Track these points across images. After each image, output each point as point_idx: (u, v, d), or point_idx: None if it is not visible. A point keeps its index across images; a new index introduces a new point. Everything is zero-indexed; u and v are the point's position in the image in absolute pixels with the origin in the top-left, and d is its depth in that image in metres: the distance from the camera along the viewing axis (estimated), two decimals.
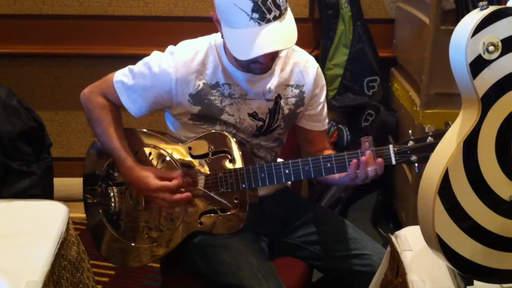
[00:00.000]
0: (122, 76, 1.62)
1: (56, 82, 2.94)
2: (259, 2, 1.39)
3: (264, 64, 1.50)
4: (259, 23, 1.40)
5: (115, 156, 1.63)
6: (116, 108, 1.65)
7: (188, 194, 1.57)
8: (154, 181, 1.56)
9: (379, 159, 1.47)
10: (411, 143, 1.45)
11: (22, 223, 1.37)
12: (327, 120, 1.77)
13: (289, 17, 1.46)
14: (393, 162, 1.46)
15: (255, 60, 1.47)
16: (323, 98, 1.72)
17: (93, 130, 1.68)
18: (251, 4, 1.39)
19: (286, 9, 1.45)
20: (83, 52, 2.86)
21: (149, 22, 2.82)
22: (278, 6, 1.41)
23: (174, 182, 1.56)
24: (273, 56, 1.51)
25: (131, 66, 1.63)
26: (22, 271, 1.17)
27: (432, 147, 1.41)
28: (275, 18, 1.41)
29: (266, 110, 1.65)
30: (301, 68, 1.66)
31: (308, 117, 1.73)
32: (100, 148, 1.74)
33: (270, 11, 1.40)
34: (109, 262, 1.80)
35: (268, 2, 1.39)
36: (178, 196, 1.57)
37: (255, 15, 1.40)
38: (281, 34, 1.43)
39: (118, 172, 1.67)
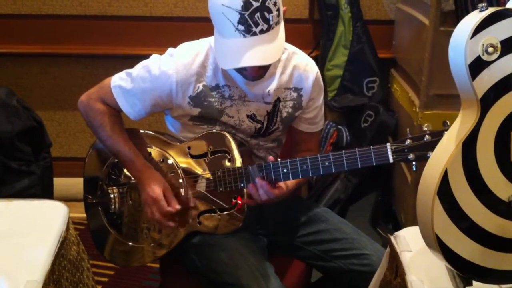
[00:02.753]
0: (119, 80, 1.61)
1: (55, 82, 2.94)
2: (246, 15, 1.39)
3: (252, 73, 1.51)
4: (244, 35, 1.41)
5: (123, 159, 1.62)
6: (117, 112, 1.65)
7: (173, 225, 1.57)
8: (157, 192, 1.56)
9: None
10: (408, 141, 1.45)
11: (22, 223, 1.37)
12: (322, 121, 1.78)
13: (278, 32, 1.45)
14: (391, 160, 1.46)
15: (243, 68, 1.48)
16: (320, 102, 1.73)
17: (97, 136, 1.67)
18: (237, 16, 1.39)
19: (277, 23, 1.44)
20: (83, 52, 2.86)
21: (149, 23, 2.82)
22: (266, 21, 1.40)
23: (169, 209, 1.55)
24: (261, 67, 1.51)
25: (128, 70, 1.62)
26: (22, 271, 1.17)
27: (429, 145, 1.42)
28: (262, 32, 1.41)
29: (264, 112, 1.65)
30: (301, 71, 1.66)
31: (305, 120, 1.73)
32: (101, 148, 1.74)
33: (257, 25, 1.40)
34: (112, 263, 1.80)
35: (255, 16, 1.39)
36: (166, 222, 1.56)
37: (241, 27, 1.40)
38: (263, 50, 1.42)
39: (129, 173, 1.66)
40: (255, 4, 1.38)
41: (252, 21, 1.39)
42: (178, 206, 1.56)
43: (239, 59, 1.41)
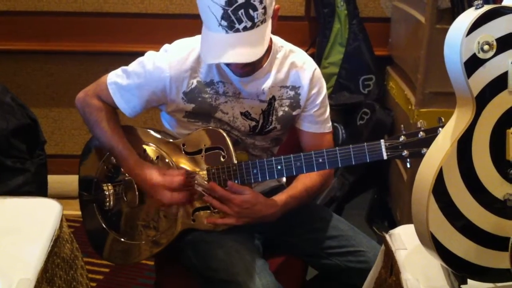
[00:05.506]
0: (115, 77, 1.62)
1: (51, 79, 2.93)
2: (229, 11, 1.38)
3: (237, 69, 1.51)
4: (226, 31, 1.40)
5: (117, 156, 1.62)
6: (113, 109, 1.65)
7: (186, 193, 1.57)
8: (156, 177, 1.56)
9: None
10: (402, 138, 1.45)
11: (15, 220, 1.36)
12: (328, 123, 1.72)
13: (263, 30, 1.43)
14: (384, 157, 1.46)
15: (228, 64, 1.48)
16: (320, 99, 1.68)
17: (92, 133, 1.68)
18: (221, 11, 1.38)
19: (263, 22, 1.42)
20: (78, 49, 2.86)
21: (144, 20, 2.82)
22: (251, 18, 1.39)
23: (176, 179, 1.55)
24: (246, 64, 1.49)
25: (124, 67, 1.63)
26: (15, 269, 1.16)
27: (423, 142, 1.42)
28: (246, 29, 1.40)
29: (259, 110, 1.64)
30: (298, 69, 1.64)
31: (305, 118, 1.70)
32: (96, 146, 1.74)
33: (240, 21, 1.39)
34: (109, 262, 1.80)
35: (239, 12, 1.38)
36: (177, 194, 1.56)
37: (224, 22, 1.39)
38: (244, 47, 1.41)
39: (123, 170, 1.66)
40: (240, 1, 1.37)
41: (236, 17, 1.38)
42: (183, 170, 1.56)
43: (219, 54, 1.41)
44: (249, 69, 1.53)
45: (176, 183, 1.55)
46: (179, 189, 1.56)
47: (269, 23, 1.46)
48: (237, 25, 1.39)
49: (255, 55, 1.44)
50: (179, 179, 1.55)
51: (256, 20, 1.40)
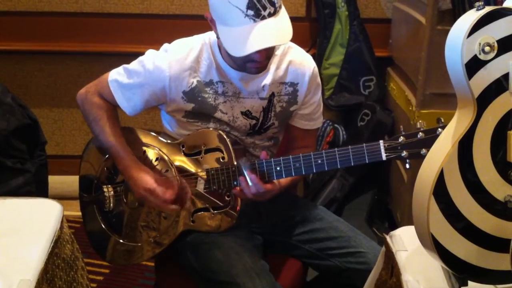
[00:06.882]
0: (116, 75, 1.63)
1: (51, 80, 2.93)
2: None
3: (260, 62, 1.50)
4: (254, 20, 1.41)
5: (114, 154, 1.63)
6: (113, 107, 1.66)
7: (177, 207, 1.57)
8: (150, 183, 1.56)
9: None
10: (401, 138, 1.45)
11: (16, 221, 1.36)
12: (320, 119, 1.77)
13: (284, 13, 1.47)
14: (383, 158, 1.46)
15: (250, 59, 1.47)
16: (317, 97, 1.72)
17: (91, 130, 1.68)
18: (245, 1, 1.39)
19: (280, 7, 1.45)
20: (79, 49, 2.85)
21: (145, 20, 2.82)
22: (272, 3, 1.41)
23: (168, 194, 1.56)
24: (269, 54, 1.51)
25: (125, 65, 1.64)
26: (15, 269, 1.16)
27: (423, 143, 1.42)
28: (270, 15, 1.42)
29: (260, 108, 1.65)
30: (297, 66, 1.65)
31: (301, 116, 1.72)
32: (97, 147, 1.74)
33: (265, 8, 1.40)
34: (111, 263, 1.80)
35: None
36: (169, 206, 1.57)
37: (250, 12, 1.40)
38: (276, 30, 1.43)
39: (117, 169, 1.66)
40: None
41: (260, 4, 1.40)
42: (174, 192, 1.56)
43: (255, 43, 1.41)
44: (267, 63, 1.55)
45: (167, 195, 1.55)
46: (170, 199, 1.56)
47: (284, 7, 1.48)
48: (263, 12, 1.41)
49: (288, 35, 1.45)
50: (170, 193, 1.55)
51: (276, 5, 1.43)
